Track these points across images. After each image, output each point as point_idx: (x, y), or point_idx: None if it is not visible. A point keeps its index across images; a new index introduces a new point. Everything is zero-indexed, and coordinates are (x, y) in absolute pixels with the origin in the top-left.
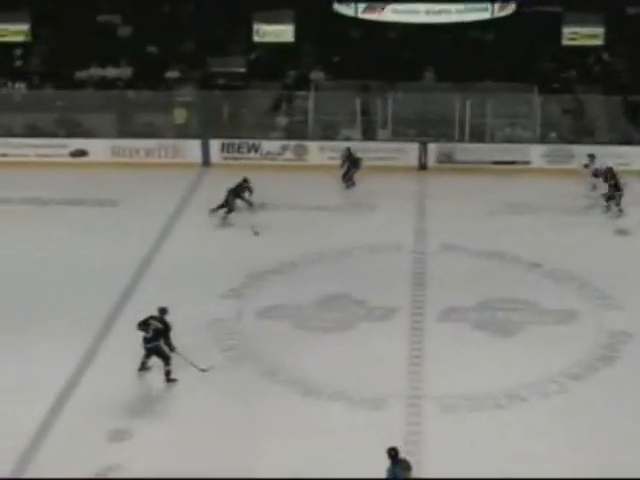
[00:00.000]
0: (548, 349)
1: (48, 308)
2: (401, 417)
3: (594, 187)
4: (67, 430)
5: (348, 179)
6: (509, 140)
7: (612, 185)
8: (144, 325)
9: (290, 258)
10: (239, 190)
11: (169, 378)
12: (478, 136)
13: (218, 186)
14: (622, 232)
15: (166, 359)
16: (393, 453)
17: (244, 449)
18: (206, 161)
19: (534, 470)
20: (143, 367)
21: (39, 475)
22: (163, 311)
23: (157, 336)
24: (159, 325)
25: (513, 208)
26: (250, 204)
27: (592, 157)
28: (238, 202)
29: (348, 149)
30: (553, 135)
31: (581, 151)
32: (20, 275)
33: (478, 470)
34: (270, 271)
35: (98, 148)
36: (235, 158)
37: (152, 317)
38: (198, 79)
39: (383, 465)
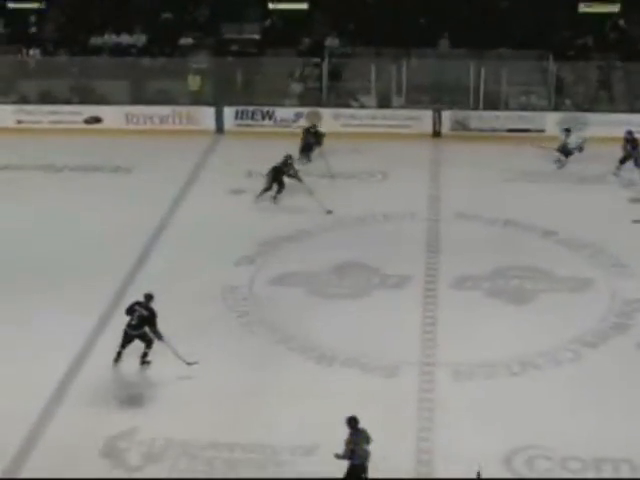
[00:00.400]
0: (562, 317)
1: (62, 274)
2: (414, 384)
3: (559, 162)
4: (80, 396)
5: (306, 155)
6: (524, 108)
7: (633, 148)
8: (130, 311)
9: (304, 225)
10: (286, 167)
11: (145, 360)
12: (492, 104)
13: (232, 153)
14: (636, 200)
15: (149, 343)
16: (353, 423)
17: (258, 415)
18: (220, 128)
19: (548, 438)
20: (119, 357)
21: (52, 442)
22: (149, 297)
23: (141, 323)
24: (144, 312)
25: (527, 176)
26: (300, 180)
27: (568, 131)
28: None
29: (314, 125)
30: (568, 102)
31: (596, 119)
32: (35, 241)
33: (490, 439)
34: (284, 238)
35: (112, 115)
36: (249, 125)
37: (137, 303)
38: (212, 46)
39: (396, 433)
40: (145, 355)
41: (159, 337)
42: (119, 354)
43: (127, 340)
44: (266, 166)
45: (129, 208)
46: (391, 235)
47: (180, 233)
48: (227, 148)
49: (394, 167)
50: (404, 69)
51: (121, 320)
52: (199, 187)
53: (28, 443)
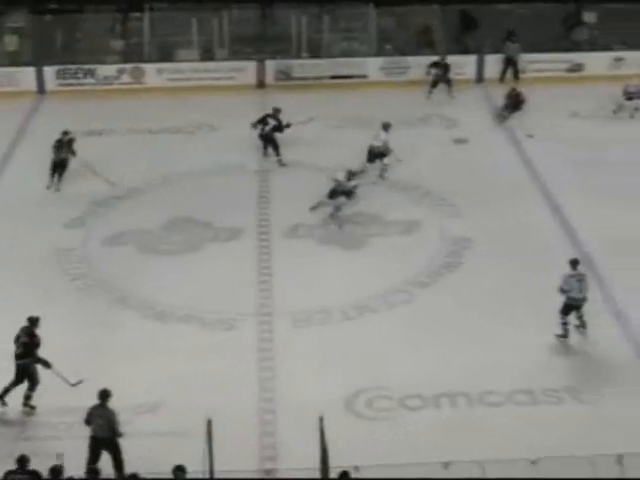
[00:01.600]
0: (394, 260)
1: None
2: (253, 335)
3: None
4: None
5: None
6: (346, 54)
7: (445, 72)
8: (16, 340)
9: (133, 183)
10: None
11: (28, 403)
12: (315, 51)
13: (54, 114)
14: (460, 141)
15: (33, 383)
16: (101, 396)
17: (99, 376)
18: (41, 89)
19: (387, 379)
20: (6, 394)
21: None
22: (33, 321)
23: (27, 351)
24: (25, 338)
25: (352, 122)
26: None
27: (387, 126)
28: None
29: (67, 132)
30: (389, 48)
31: (417, 62)
32: None
33: (331, 383)
34: (113, 197)
35: None
36: (70, 84)
37: (22, 329)
38: (29, 4)
39: (238, 385)
40: (29, 397)
41: (45, 365)
42: (7, 391)
43: (19, 377)
44: (91, 124)
45: None
46: (221, 188)
47: (6, 197)
48: (50, 108)
49: (220, 120)
50: (225, 21)
51: None
52: (23, 150)
53: None
